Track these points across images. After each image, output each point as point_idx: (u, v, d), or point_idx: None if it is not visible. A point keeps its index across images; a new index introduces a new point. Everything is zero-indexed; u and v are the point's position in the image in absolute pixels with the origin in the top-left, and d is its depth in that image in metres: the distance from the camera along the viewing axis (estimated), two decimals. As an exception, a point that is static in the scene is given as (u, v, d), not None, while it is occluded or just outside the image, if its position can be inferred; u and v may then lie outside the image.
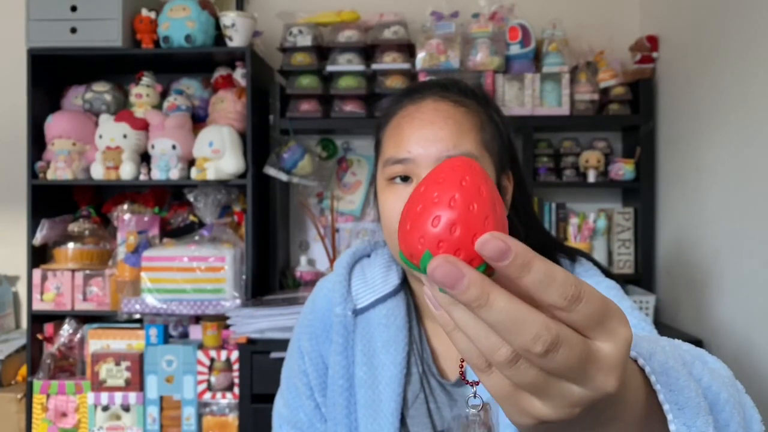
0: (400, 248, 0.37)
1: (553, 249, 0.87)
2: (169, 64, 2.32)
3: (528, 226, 0.87)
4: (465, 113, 0.80)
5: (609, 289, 0.80)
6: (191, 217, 2.27)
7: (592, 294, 0.35)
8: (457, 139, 0.77)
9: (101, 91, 2.25)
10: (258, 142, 2.21)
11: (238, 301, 2.05)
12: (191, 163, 2.17)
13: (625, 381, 0.37)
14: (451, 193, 0.35)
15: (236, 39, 2.16)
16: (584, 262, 0.86)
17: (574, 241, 2.27)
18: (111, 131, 2.15)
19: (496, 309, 0.34)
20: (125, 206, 2.25)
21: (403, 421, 0.82)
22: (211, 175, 2.08)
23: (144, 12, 2.16)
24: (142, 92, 2.23)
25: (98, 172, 2.14)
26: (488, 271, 0.35)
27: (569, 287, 0.34)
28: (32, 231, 2.15)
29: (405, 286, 0.89)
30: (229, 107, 2.18)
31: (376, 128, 0.88)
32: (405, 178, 0.79)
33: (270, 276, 2.31)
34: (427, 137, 0.78)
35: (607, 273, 0.87)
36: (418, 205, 0.36)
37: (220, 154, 2.09)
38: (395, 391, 0.81)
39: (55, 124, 2.19)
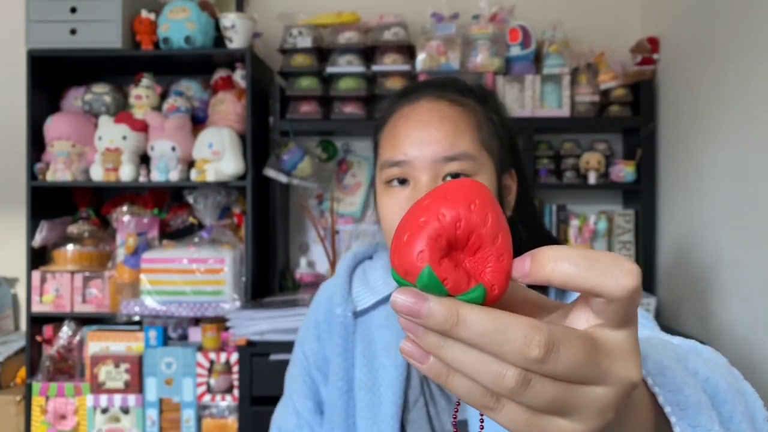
0: (393, 263, 0.34)
1: None
2: (169, 66, 2.32)
3: (530, 227, 0.86)
4: (461, 113, 0.79)
5: None
6: (191, 219, 2.26)
7: (567, 335, 0.32)
8: (453, 140, 0.76)
9: (101, 92, 2.25)
10: (258, 144, 2.21)
11: (237, 303, 2.05)
12: (191, 164, 2.17)
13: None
14: (457, 213, 0.33)
15: (236, 40, 2.16)
16: None
17: (574, 243, 2.26)
18: (110, 133, 2.14)
19: (471, 322, 0.32)
20: (125, 208, 2.25)
21: (402, 425, 0.80)
22: (210, 177, 2.08)
23: (144, 13, 2.16)
24: (142, 94, 2.23)
25: (98, 174, 2.13)
26: (488, 297, 0.33)
27: (535, 333, 0.31)
28: (31, 233, 2.14)
29: None
30: (228, 109, 2.18)
31: (374, 130, 0.87)
32: (402, 181, 0.78)
33: (270, 278, 2.31)
34: (422, 138, 0.77)
35: None
36: (421, 217, 0.33)
37: (219, 155, 2.09)
38: (396, 394, 0.79)
39: (54, 126, 2.18)
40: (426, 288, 0.33)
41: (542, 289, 0.81)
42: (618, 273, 0.32)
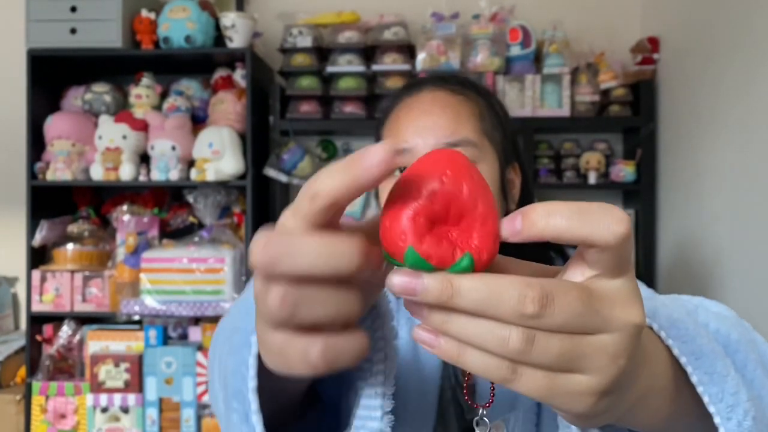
0: (383, 247, 0.35)
1: (559, 244, 0.85)
2: (169, 65, 2.32)
3: None
4: (463, 101, 0.79)
5: None
6: (191, 219, 2.26)
7: (560, 286, 0.33)
8: (455, 127, 0.76)
9: (101, 91, 2.25)
10: (258, 143, 2.21)
11: (237, 303, 2.05)
12: (191, 164, 2.17)
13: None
14: (430, 188, 0.34)
15: (236, 40, 2.16)
16: None
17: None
18: (110, 132, 2.14)
19: (465, 290, 0.32)
20: (125, 207, 2.25)
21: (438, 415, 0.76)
22: (210, 176, 2.08)
23: (144, 13, 2.16)
24: (142, 93, 2.23)
25: (98, 173, 2.13)
26: (477, 264, 0.34)
27: (527, 290, 0.32)
28: (31, 232, 2.14)
29: None
30: (228, 108, 2.18)
31: (377, 127, 0.87)
32: (404, 170, 0.77)
33: (270, 277, 2.31)
34: (424, 126, 0.77)
35: None
36: (398, 200, 0.34)
37: (219, 155, 2.09)
38: (437, 385, 0.75)
39: (54, 125, 2.18)
40: (413, 266, 0.34)
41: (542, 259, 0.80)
42: (609, 221, 0.33)
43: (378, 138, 0.86)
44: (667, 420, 0.42)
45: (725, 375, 0.43)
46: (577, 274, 0.36)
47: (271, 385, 0.46)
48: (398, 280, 0.33)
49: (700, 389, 0.43)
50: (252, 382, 0.44)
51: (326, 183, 0.33)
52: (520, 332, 0.32)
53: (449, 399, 0.77)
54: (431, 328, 0.34)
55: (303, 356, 0.34)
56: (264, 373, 0.44)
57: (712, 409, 0.43)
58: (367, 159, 0.32)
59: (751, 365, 0.48)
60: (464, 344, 0.34)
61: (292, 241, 0.33)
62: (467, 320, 0.33)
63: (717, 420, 0.43)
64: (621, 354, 0.34)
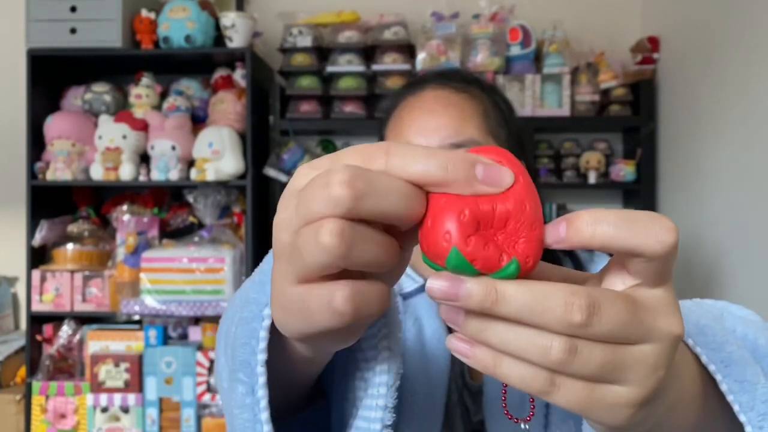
0: (422, 249, 0.33)
1: None
2: (169, 65, 2.32)
3: None
4: (467, 99, 0.78)
5: None
6: (191, 218, 2.26)
7: (607, 295, 0.32)
8: (459, 126, 0.75)
9: (101, 91, 2.25)
10: (258, 143, 2.21)
11: (237, 303, 2.05)
12: (191, 163, 2.17)
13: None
14: None
15: (236, 40, 2.16)
16: (603, 255, 0.82)
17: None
18: (110, 132, 2.14)
19: (510, 296, 0.31)
20: (124, 207, 2.25)
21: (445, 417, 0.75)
22: (210, 176, 2.08)
23: (144, 12, 2.16)
24: (142, 93, 2.23)
25: (98, 173, 2.13)
26: (522, 270, 0.32)
27: (574, 298, 0.31)
28: (31, 232, 2.14)
29: None
30: (228, 108, 2.18)
31: (379, 127, 0.86)
32: None
33: (270, 277, 2.30)
34: (427, 126, 0.75)
35: None
36: (442, 198, 0.32)
37: (219, 154, 2.09)
38: (445, 385, 0.73)
39: (54, 125, 2.18)
40: (456, 269, 0.32)
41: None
42: (658, 230, 0.31)
43: (381, 137, 0.85)
44: (694, 429, 0.41)
45: (755, 383, 0.42)
46: (617, 282, 0.34)
47: (278, 374, 0.45)
48: (438, 284, 0.32)
49: (730, 398, 0.42)
50: (262, 355, 0.43)
51: (412, 168, 0.32)
52: (563, 341, 0.31)
53: (456, 401, 0.76)
54: (467, 336, 0.33)
55: (328, 303, 0.32)
56: (273, 362, 0.43)
57: (743, 418, 0.42)
58: (487, 174, 0.31)
59: None
60: (501, 354, 0.33)
61: (381, 178, 0.31)
62: (507, 328, 0.32)
63: (748, 429, 0.42)
64: (661, 365, 0.33)
